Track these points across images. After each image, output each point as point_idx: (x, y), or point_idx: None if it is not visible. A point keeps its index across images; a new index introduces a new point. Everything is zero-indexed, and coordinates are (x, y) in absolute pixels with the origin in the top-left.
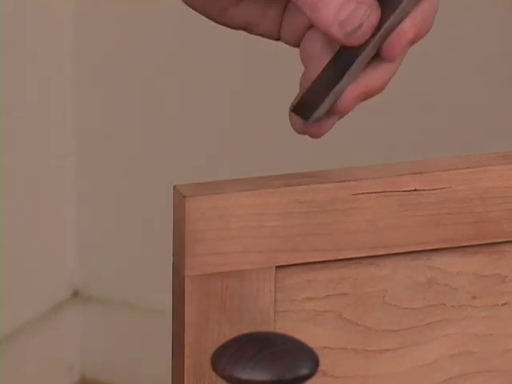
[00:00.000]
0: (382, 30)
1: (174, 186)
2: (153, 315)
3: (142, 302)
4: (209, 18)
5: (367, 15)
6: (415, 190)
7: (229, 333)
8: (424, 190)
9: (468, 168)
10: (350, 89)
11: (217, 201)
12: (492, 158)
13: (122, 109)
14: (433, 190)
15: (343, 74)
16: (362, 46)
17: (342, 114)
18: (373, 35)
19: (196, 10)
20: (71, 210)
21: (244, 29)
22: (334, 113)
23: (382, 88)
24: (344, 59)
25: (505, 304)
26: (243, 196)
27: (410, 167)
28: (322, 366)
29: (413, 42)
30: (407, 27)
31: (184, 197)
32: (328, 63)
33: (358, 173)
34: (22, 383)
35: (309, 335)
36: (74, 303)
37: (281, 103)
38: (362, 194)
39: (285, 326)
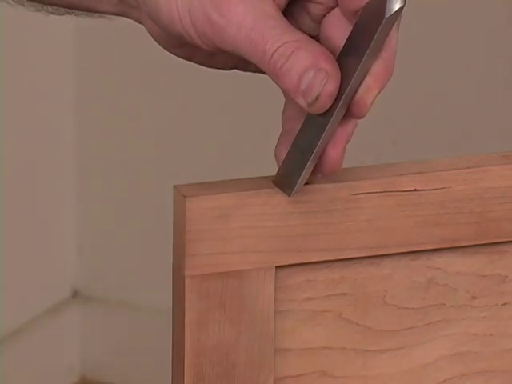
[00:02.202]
0: (347, 91)
1: (174, 186)
2: (153, 315)
3: (142, 302)
4: (197, 63)
5: (323, 84)
6: (415, 190)
7: (229, 333)
8: (424, 189)
9: (468, 168)
10: (331, 149)
11: (217, 201)
12: (492, 158)
13: (123, 109)
14: (433, 190)
15: (317, 140)
16: (330, 110)
17: (331, 173)
18: (338, 98)
19: (181, 58)
20: (71, 209)
21: (235, 68)
22: (321, 173)
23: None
24: (316, 123)
25: (505, 304)
26: (243, 196)
27: (410, 167)
28: (322, 366)
29: (379, 93)
30: (372, 83)
31: (184, 197)
32: (300, 129)
33: (358, 173)
34: (22, 383)
35: (309, 335)
36: (74, 303)
37: (281, 103)
38: (362, 194)
39: (285, 326)
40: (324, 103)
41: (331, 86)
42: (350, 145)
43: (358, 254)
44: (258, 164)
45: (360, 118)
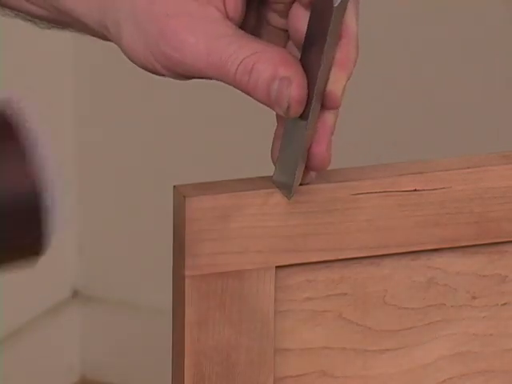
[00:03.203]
0: (317, 86)
1: (174, 186)
2: (153, 315)
3: (142, 302)
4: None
5: (289, 92)
6: (415, 190)
7: (229, 333)
8: (424, 189)
9: (468, 168)
10: (315, 146)
11: (217, 201)
12: (492, 158)
13: (122, 109)
14: (433, 190)
15: (301, 140)
16: (306, 109)
17: (322, 169)
18: (309, 96)
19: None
20: (71, 210)
21: None
22: (313, 171)
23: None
24: (296, 124)
25: (505, 304)
26: (243, 196)
27: (410, 167)
28: (322, 366)
29: (348, 79)
30: (338, 73)
31: (184, 197)
32: (284, 132)
33: (358, 173)
34: (22, 383)
35: (309, 335)
36: (74, 303)
37: None
38: (362, 194)
39: (285, 326)
40: (296, 109)
41: (296, 91)
42: (349, 145)
43: (358, 254)
44: (257, 164)
45: (334, 108)
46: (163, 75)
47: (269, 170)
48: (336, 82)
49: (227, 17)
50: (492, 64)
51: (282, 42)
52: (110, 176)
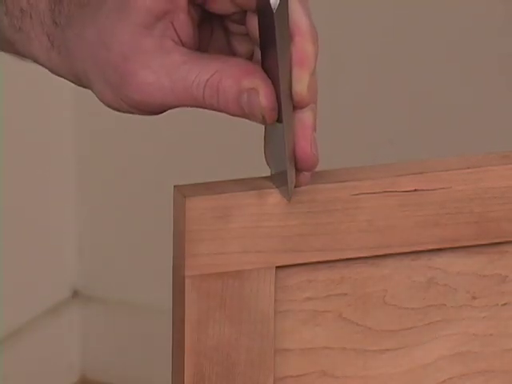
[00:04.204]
0: (282, 88)
1: (174, 186)
2: (153, 315)
3: (142, 302)
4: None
5: (259, 102)
6: (415, 190)
7: (229, 333)
8: (424, 190)
9: (468, 168)
10: (298, 146)
11: (217, 201)
12: (492, 158)
13: None
14: (433, 190)
15: (283, 143)
16: (280, 112)
17: (310, 168)
18: (278, 100)
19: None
20: (71, 210)
21: None
22: (302, 171)
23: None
24: (275, 128)
25: (505, 304)
26: (243, 196)
27: (410, 167)
28: (322, 366)
29: (311, 75)
30: (297, 72)
31: (184, 197)
32: (266, 138)
33: (357, 173)
34: (22, 383)
35: (309, 335)
36: (74, 303)
37: None
38: (362, 194)
39: (285, 326)
40: (271, 116)
41: (266, 99)
42: (349, 145)
43: (358, 254)
44: (257, 164)
45: (304, 107)
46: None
47: (268, 170)
48: (298, 81)
49: (181, 44)
50: (492, 64)
51: (251, 50)
52: (109, 176)
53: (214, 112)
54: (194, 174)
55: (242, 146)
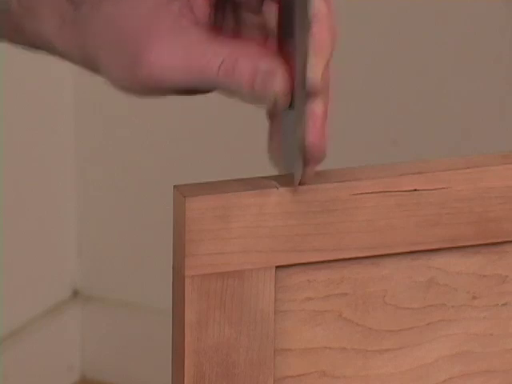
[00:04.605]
0: (297, 78)
1: (174, 186)
2: (153, 315)
3: (142, 302)
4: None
5: (273, 83)
6: (415, 190)
7: (229, 333)
8: (424, 189)
9: (468, 168)
10: (308, 136)
11: (217, 201)
12: (492, 158)
13: (122, 108)
14: (433, 190)
15: (294, 130)
16: (292, 100)
17: (317, 160)
18: (292, 85)
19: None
20: (71, 210)
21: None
22: (310, 161)
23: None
24: (288, 116)
25: (505, 304)
26: (243, 196)
27: (410, 167)
28: (322, 366)
29: (327, 63)
30: (313, 59)
31: (184, 197)
32: (282, 126)
33: (357, 173)
34: (22, 383)
35: (309, 335)
36: (74, 303)
37: None
38: (362, 194)
39: (285, 326)
40: (283, 100)
41: (280, 82)
42: (349, 145)
43: (358, 253)
44: (257, 164)
45: (316, 95)
46: (151, 96)
47: (268, 169)
48: (313, 68)
49: (198, 24)
50: (492, 64)
51: (262, 39)
52: (109, 176)
53: (213, 112)
54: (194, 174)
55: (243, 146)
